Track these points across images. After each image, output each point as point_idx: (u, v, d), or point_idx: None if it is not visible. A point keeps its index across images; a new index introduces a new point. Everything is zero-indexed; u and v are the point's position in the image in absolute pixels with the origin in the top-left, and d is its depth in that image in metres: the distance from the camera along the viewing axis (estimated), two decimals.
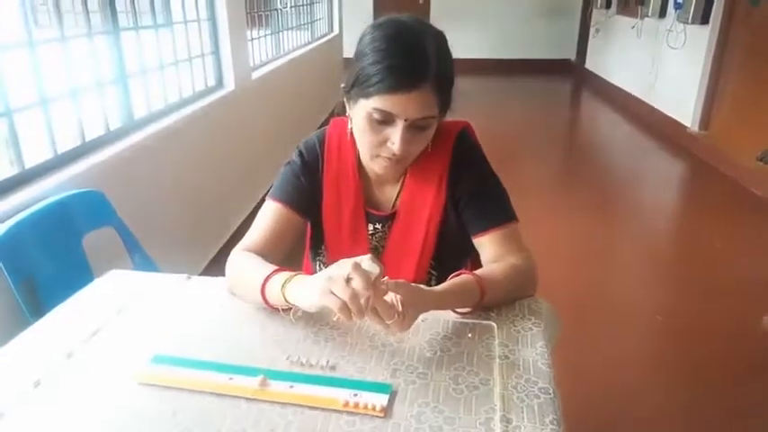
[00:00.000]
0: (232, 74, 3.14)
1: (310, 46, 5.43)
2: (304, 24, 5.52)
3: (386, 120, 0.98)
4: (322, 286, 0.82)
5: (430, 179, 1.13)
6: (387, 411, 0.78)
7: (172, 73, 2.63)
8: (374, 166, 1.09)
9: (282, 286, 0.92)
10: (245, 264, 1.04)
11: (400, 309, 0.85)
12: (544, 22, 8.64)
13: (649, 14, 5.68)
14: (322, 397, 0.81)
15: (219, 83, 3.13)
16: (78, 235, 1.64)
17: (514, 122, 6.07)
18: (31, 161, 1.72)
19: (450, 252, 1.17)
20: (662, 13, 5.46)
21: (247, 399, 0.81)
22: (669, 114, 5.32)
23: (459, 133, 1.15)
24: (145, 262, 1.74)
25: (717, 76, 4.63)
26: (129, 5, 2.30)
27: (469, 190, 1.11)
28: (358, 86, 0.99)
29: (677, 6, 4.96)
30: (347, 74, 1.03)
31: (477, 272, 1.00)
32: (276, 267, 0.98)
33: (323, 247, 1.22)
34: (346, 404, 0.79)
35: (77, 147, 1.92)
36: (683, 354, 2.24)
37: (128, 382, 0.85)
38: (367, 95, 0.98)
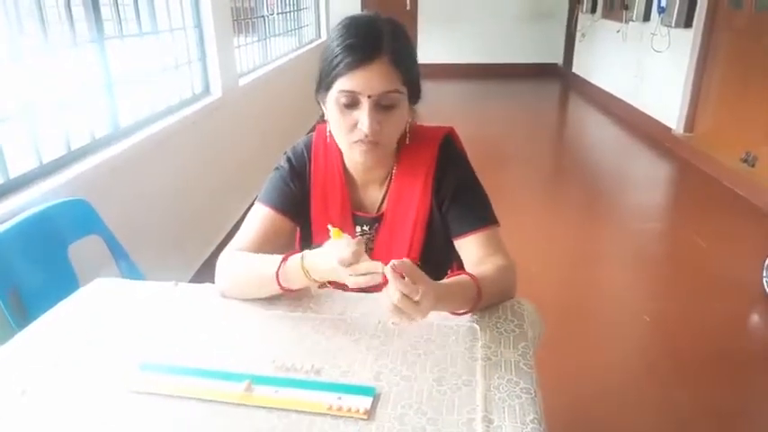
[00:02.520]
0: (219, 81, 3.15)
1: (298, 52, 5.44)
2: (291, 31, 5.53)
3: (352, 102, 1.02)
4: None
5: (415, 181, 1.15)
6: (370, 414, 0.79)
7: (158, 80, 2.63)
8: (354, 155, 1.10)
9: (302, 261, 0.97)
10: (247, 259, 1.07)
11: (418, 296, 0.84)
12: (531, 27, 8.70)
13: (634, 18, 5.75)
14: (306, 401, 0.81)
15: (206, 90, 3.14)
16: (64, 244, 1.63)
17: (502, 127, 6.10)
18: (15, 171, 1.71)
19: (437, 253, 1.18)
20: (646, 17, 5.52)
21: (233, 404, 0.81)
22: (654, 117, 5.37)
23: (444, 138, 1.18)
24: (132, 270, 1.73)
25: (701, 79, 4.68)
26: (114, 14, 2.30)
27: (453, 193, 1.14)
28: (323, 79, 1.06)
29: (661, 10, 5.02)
30: (316, 76, 1.08)
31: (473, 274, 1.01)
32: (287, 253, 1.01)
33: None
34: (330, 407, 0.80)
35: (63, 156, 1.91)
36: (670, 353, 2.26)
37: (114, 390, 0.85)
38: (330, 84, 1.03)
